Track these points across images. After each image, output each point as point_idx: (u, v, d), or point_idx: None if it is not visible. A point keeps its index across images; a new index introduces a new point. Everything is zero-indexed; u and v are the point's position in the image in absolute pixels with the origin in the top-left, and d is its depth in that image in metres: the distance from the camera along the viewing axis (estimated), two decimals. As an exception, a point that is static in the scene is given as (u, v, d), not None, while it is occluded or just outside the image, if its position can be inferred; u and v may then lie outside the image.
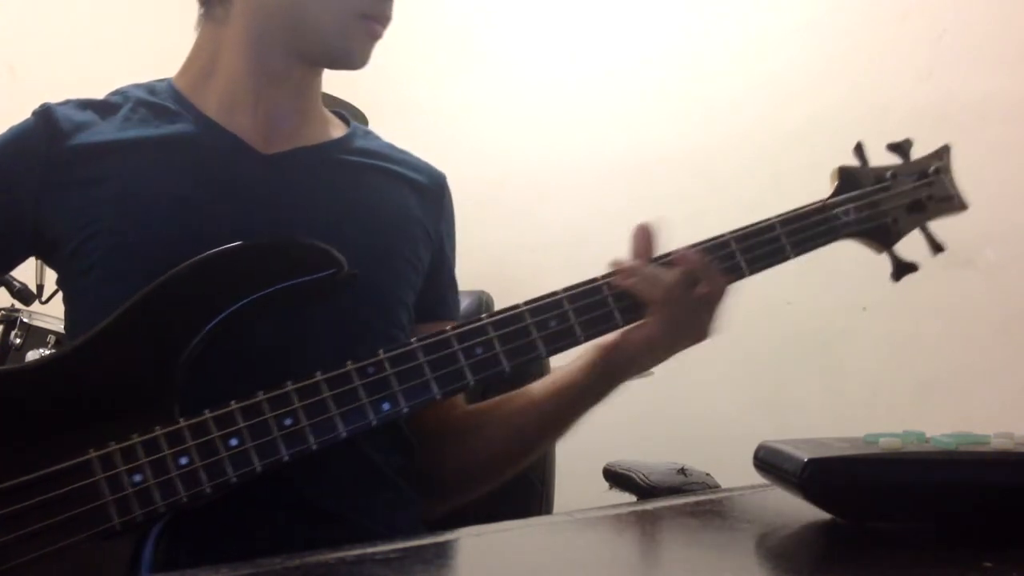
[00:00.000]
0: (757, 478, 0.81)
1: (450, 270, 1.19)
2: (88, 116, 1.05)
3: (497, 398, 1.13)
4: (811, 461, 0.69)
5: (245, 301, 0.91)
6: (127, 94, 1.09)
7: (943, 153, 1.11)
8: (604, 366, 1.04)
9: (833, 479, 0.70)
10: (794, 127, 2.36)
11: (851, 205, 1.06)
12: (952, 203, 1.09)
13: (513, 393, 1.12)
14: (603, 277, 0.99)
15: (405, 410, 0.90)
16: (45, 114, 1.05)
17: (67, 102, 1.07)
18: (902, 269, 1.07)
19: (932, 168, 1.09)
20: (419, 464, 1.11)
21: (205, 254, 0.92)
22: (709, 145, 2.51)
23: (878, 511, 0.71)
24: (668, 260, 1.00)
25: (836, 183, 1.08)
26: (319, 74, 1.12)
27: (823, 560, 0.70)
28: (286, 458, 0.87)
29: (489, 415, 1.12)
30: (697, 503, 0.85)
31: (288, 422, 0.87)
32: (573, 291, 0.97)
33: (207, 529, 0.88)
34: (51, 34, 3.02)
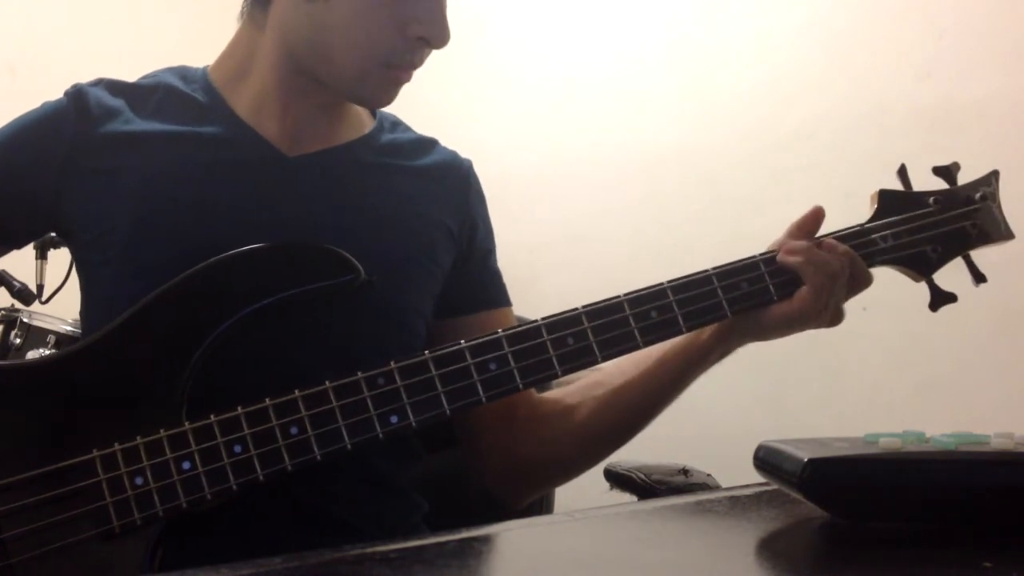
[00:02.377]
0: (757, 478, 0.81)
1: (484, 258, 1.15)
2: (119, 103, 1.04)
3: (581, 381, 1.09)
4: (811, 461, 0.69)
5: (259, 305, 0.90)
6: (159, 79, 1.08)
7: (991, 179, 1.05)
8: (729, 333, 1.01)
9: (833, 479, 0.70)
10: (794, 127, 2.36)
11: (890, 231, 1.00)
12: (999, 232, 1.03)
13: (602, 373, 1.07)
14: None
15: (414, 424, 0.88)
16: (77, 96, 1.04)
17: (99, 83, 1.06)
18: (941, 299, 1.01)
19: (979, 194, 1.03)
20: (511, 452, 1.09)
21: (219, 256, 0.91)
22: (709, 145, 2.51)
23: (878, 511, 0.71)
24: (819, 245, 0.98)
25: (875, 206, 1.02)
26: None
27: (823, 560, 0.70)
28: (289, 468, 0.85)
29: (584, 394, 1.08)
30: (697, 503, 0.85)
31: (294, 431, 0.86)
32: (592, 307, 0.93)
33: (207, 534, 0.87)
34: (51, 34, 3.02)
